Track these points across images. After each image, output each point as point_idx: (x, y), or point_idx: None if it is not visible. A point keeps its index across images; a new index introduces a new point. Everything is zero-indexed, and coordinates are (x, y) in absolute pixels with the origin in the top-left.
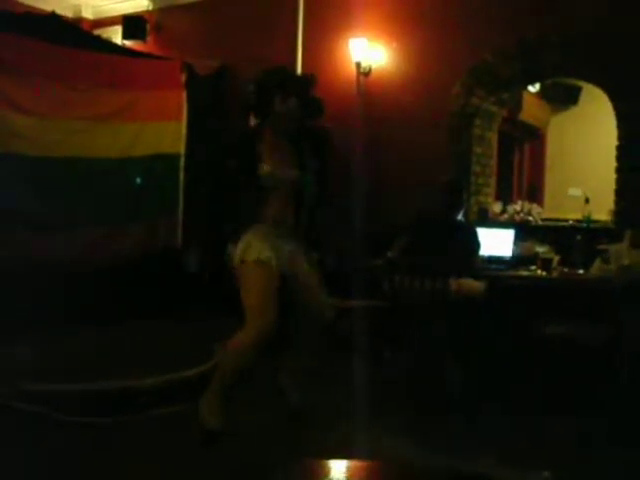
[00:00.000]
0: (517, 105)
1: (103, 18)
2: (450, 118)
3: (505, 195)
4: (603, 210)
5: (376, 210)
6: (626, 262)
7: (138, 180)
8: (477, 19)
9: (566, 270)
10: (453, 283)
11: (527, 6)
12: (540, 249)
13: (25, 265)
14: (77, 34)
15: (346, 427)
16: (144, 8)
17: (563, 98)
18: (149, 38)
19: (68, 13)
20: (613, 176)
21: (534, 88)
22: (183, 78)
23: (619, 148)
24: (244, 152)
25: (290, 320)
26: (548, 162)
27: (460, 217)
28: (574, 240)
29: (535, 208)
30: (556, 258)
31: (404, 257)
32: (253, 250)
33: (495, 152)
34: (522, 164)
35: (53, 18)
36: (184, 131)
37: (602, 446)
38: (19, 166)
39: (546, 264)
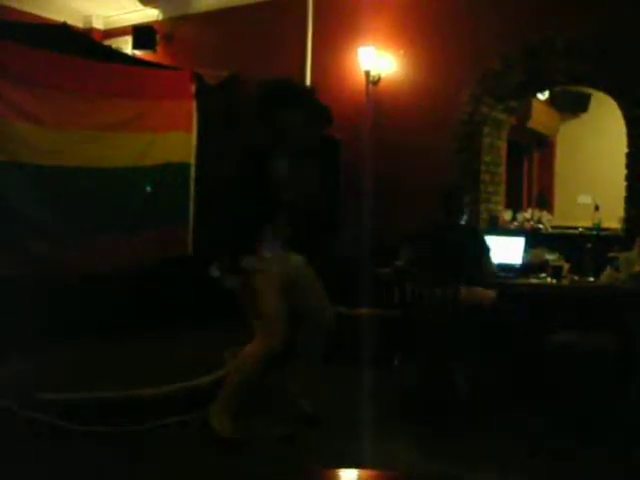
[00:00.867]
0: (526, 113)
1: (113, 28)
2: (459, 126)
3: (515, 203)
4: (613, 217)
5: (385, 218)
6: (637, 270)
7: (148, 190)
8: (484, 27)
9: (576, 278)
10: (463, 291)
11: (534, 14)
12: (550, 257)
13: (31, 274)
14: (88, 45)
15: (355, 436)
16: (154, 18)
17: (572, 106)
18: (159, 48)
19: (79, 24)
20: (623, 183)
21: (543, 96)
22: (193, 88)
23: (629, 155)
24: (249, 166)
25: (296, 328)
26: (558, 170)
27: (464, 222)
28: (584, 248)
29: (545, 216)
30: (566, 266)
31: (413, 266)
32: (263, 262)
33: (504, 160)
34: (531, 172)
35: (64, 29)
36: (194, 141)
37: (606, 455)
38: (29, 175)
39: (556, 272)
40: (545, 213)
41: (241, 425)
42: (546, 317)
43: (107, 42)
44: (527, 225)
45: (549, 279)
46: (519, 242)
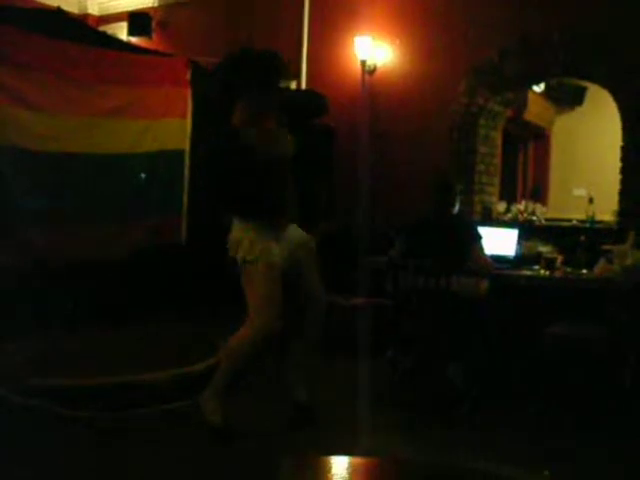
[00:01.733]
0: (522, 105)
1: (108, 14)
2: (454, 117)
3: (509, 195)
4: (607, 210)
5: (380, 208)
6: (630, 262)
7: (143, 176)
8: (481, 18)
9: (569, 270)
10: (456, 281)
11: (531, 5)
12: (544, 249)
13: (28, 261)
14: (82, 30)
15: (348, 425)
16: (149, 5)
17: (568, 98)
18: (154, 35)
19: (74, 9)
20: (617, 176)
21: (539, 88)
22: (188, 75)
23: (624, 148)
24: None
25: (291, 314)
26: (552, 162)
27: (457, 212)
28: (578, 240)
29: (539, 208)
30: (559, 258)
31: (406, 257)
32: (259, 249)
33: (499, 152)
34: (526, 164)
35: (59, 14)
36: (189, 128)
37: (603, 445)
38: (24, 162)
39: (549, 264)
40: (539, 205)
41: (232, 412)
42: (539, 309)
43: (102, 28)
44: (521, 217)
45: (542, 271)
46: (513, 234)
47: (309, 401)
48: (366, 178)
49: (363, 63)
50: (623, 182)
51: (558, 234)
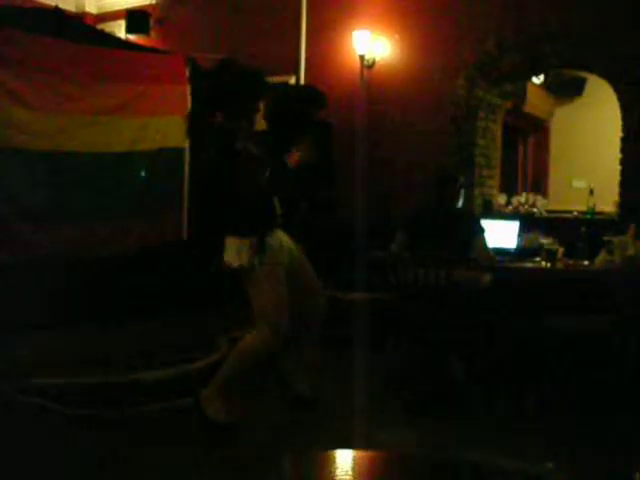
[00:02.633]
0: (521, 97)
1: (106, 12)
2: (454, 110)
3: (510, 187)
4: (608, 202)
5: (379, 201)
6: (631, 253)
7: (142, 174)
8: (479, 10)
9: (571, 262)
10: (457, 274)
11: None
12: (544, 241)
13: (27, 259)
14: (80, 28)
15: (349, 418)
16: (147, 2)
17: (568, 90)
18: (152, 32)
19: (71, 7)
20: (618, 168)
21: (538, 80)
22: (187, 72)
23: (624, 140)
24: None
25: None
26: (552, 154)
27: (460, 205)
28: (578, 232)
29: (540, 200)
30: (560, 250)
31: (407, 248)
32: (268, 253)
33: (499, 144)
34: (526, 156)
35: (56, 12)
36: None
37: (604, 437)
38: (22, 160)
39: (550, 256)
40: (540, 197)
41: (235, 409)
42: (541, 301)
43: (100, 26)
44: (521, 209)
45: (543, 263)
46: (513, 226)
47: (310, 395)
48: (365, 172)
49: (362, 57)
50: (623, 173)
51: (559, 226)
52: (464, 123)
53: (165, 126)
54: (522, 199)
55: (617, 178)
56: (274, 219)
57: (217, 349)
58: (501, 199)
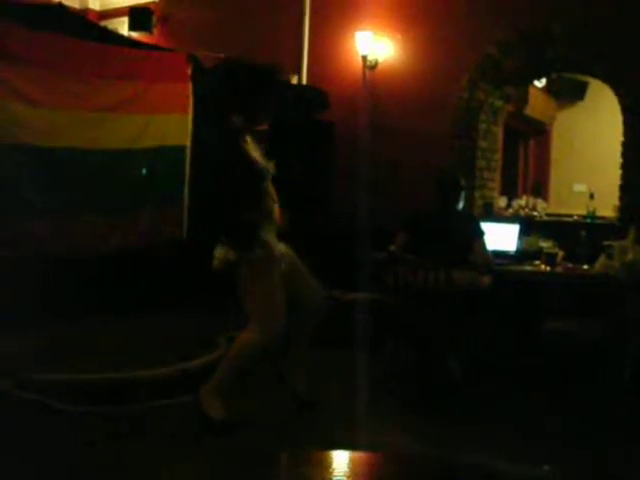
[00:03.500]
0: (523, 100)
1: (110, 9)
2: (455, 112)
3: (510, 190)
4: (608, 206)
5: (380, 202)
6: (630, 258)
7: (143, 172)
8: (481, 13)
9: (570, 265)
10: (457, 276)
11: (531, 0)
12: (544, 244)
13: (29, 255)
14: (83, 25)
15: (347, 419)
16: (150, 0)
17: (569, 93)
18: (155, 30)
19: (75, 4)
20: (618, 172)
21: (540, 83)
22: (189, 70)
23: (624, 144)
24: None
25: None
26: (553, 157)
27: (460, 207)
28: (578, 236)
29: (540, 203)
30: (560, 253)
31: (407, 250)
32: (266, 250)
33: (500, 147)
34: (527, 159)
35: (60, 9)
36: (190, 123)
37: (602, 441)
38: (25, 156)
39: (550, 259)
40: (540, 200)
41: (233, 408)
42: (540, 304)
43: (103, 23)
44: (522, 212)
45: (543, 266)
46: (514, 229)
47: (309, 395)
48: (366, 173)
49: (364, 58)
50: (624, 177)
51: (559, 229)
52: (465, 125)
53: (167, 124)
54: (522, 202)
55: (617, 182)
56: (269, 218)
57: (216, 347)
58: (501, 202)
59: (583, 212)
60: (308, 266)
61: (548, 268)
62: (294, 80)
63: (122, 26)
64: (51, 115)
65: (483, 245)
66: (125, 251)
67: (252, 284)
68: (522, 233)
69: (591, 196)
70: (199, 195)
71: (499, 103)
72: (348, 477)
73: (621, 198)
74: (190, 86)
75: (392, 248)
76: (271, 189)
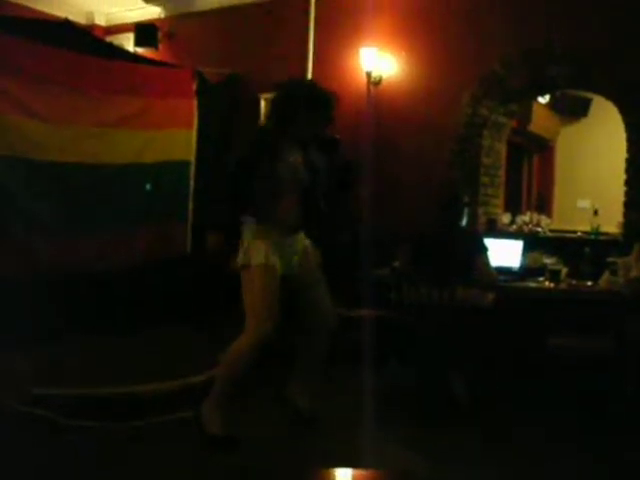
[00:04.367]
0: (526, 116)
1: (115, 25)
2: (459, 128)
3: (514, 206)
4: (612, 222)
5: (384, 219)
6: (634, 275)
7: (148, 187)
8: (485, 30)
9: (574, 282)
10: (461, 293)
11: (534, 18)
12: (548, 260)
13: (32, 270)
14: (89, 41)
15: (351, 436)
16: (156, 16)
17: (573, 110)
18: (161, 46)
19: (81, 20)
20: (622, 188)
21: (544, 99)
22: (194, 86)
23: (628, 160)
24: (260, 147)
25: (296, 325)
26: (557, 174)
27: (463, 224)
28: (583, 252)
29: (544, 219)
30: (564, 270)
31: (411, 267)
32: (259, 253)
33: (504, 163)
34: (531, 175)
35: (66, 25)
36: (195, 139)
37: (605, 458)
38: (28, 171)
39: (554, 276)
40: (544, 217)
41: (235, 424)
42: (544, 321)
43: (109, 39)
44: (526, 228)
45: (547, 283)
46: (517, 245)
47: (310, 411)
48: (370, 189)
49: (368, 74)
50: (628, 194)
51: (563, 246)
52: (469, 142)
53: (171, 139)
54: (526, 218)
55: (622, 199)
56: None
57: (218, 363)
58: (505, 218)
59: (587, 228)
60: None
61: (552, 284)
62: None
63: (128, 42)
64: (56, 130)
65: (487, 261)
66: (128, 266)
67: (243, 287)
68: (526, 249)
69: (595, 212)
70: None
71: (503, 119)
72: None
73: (625, 214)
74: (195, 102)
75: (396, 264)
76: (291, 197)
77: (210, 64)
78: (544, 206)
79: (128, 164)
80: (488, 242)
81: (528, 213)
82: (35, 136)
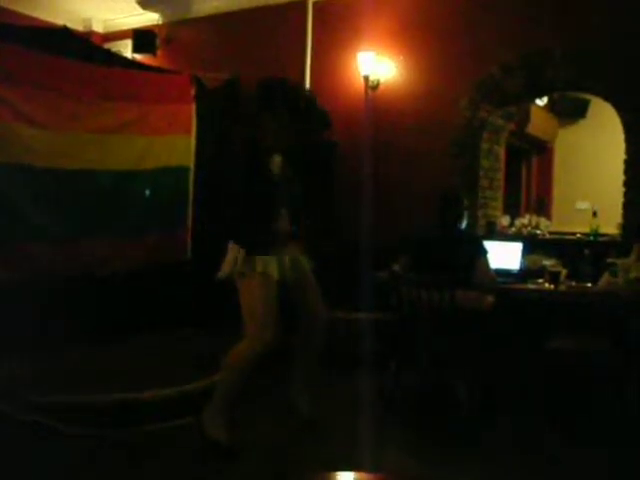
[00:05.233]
0: (525, 118)
1: (113, 32)
2: (457, 131)
3: (513, 208)
4: (611, 224)
5: (383, 222)
6: (634, 276)
7: (147, 193)
8: (483, 33)
9: (574, 284)
10: (460, 295)
11: (532, 21)
12: (548, 262)
13: (27, 276)
14: (87, 48)
15: (350, 441)
16: (154, 22)
17: (571, 111)
18: (159, 52)
19: (79, 27)
20: (621, 189)
21: (542, 101)
22: (193, 91)
23: (627, 162)
24: (250, 158)
25: (293, 330)
26: (556, 175)
27: (463, 226)
28: (582, 254)
29: (543, 221)
30: (564, 271)
31: (410, 270)
32: (257, 262)
33: (503, 165)
34: (530, 177)
35: (64, 32)
36: (193, 144)
37: (604, 460)
38: (28, 178)
39: (554, 277)
40: (543, 219)
41: (236, 429)
42: (543, 322)
43: (107, 45)
44: (525, 231)
45: (547, 285)
46: (517, 248)
47: (311, 415)
48: (368, 193)
49: (366, 78)
50: (627, 195)
51: (562, 247)
52: (467, 144)
53: (170, 145)
54: (525, 220)
55: (621, 200)
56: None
57: (219, 368)
58: (504, 220)
59: (586, 230)
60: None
61: (551, 286)
62: None
63: (126, 48)
64: (55, 137)
65: (486, 264)
66: (128, 271)
67: (242, 295)
68: (525, 251)
69: (594, 214)
70: (203, 215)
71: (501, 122)
72: None
73: (624, 215)
74: (194, 107)
75: (395, 267)
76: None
77: (208, 69)
78: (543, 208)
79: (127, 170)
80: (488, 244)
81: (527, 215)
82: (35, 143)
